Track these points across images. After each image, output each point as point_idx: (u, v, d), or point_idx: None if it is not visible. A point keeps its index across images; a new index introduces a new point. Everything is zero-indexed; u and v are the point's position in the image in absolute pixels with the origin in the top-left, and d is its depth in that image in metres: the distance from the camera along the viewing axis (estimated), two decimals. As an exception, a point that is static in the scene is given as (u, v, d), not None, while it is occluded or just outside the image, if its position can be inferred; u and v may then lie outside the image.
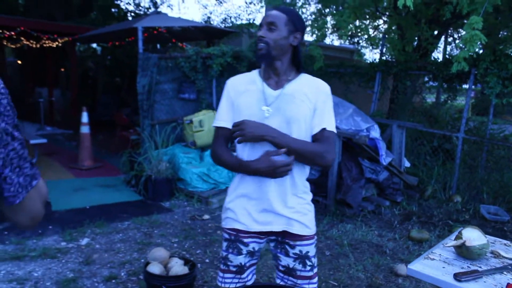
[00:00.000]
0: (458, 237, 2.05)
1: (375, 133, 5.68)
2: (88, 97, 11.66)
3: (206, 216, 5.05)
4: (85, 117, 7.24)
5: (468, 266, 1.97)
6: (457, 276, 1.82)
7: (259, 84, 1.98)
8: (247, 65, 7.09)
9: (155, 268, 2.86)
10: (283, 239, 2.04)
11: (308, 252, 2.05)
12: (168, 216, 5.05)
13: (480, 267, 1.97)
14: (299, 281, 2.06)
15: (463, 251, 2.03)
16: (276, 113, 1.92)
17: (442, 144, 7.11)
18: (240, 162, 1.95)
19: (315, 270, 2.11)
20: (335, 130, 2.00)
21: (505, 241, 2.31)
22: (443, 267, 1.95)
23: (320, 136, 1.95)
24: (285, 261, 2.07)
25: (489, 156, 6.69)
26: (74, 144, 9.41)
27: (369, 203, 5.45)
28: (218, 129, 2.04)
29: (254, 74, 2.04)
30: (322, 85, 2.01)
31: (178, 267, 2.89)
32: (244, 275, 2.10)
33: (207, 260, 3.97)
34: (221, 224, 2.13)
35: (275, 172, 1.87)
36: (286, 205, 1.99)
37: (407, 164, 6.38)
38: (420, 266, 1.96)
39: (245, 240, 2.03)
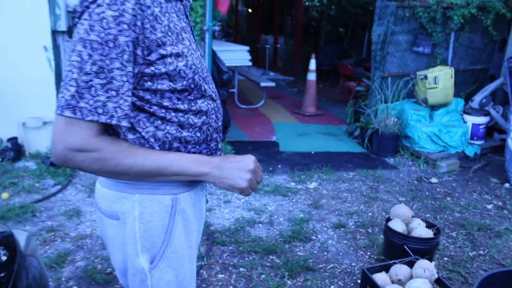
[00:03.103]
0: None
1: None
2: (311, 45, 11.91)
3: (434, 180, 4.70)
4: (313, 64, 7.39)
5: None
6: None
7: None
8: (493, 17, 6.23)
9: (397, 225, 2.74)
10: None
11: None
12: (393, 173, 4.86)
13: None
14: None
15: None
16: None
17: None
18: None
19: None
20: None
21: None
22: None
23: None
24: None
25: None
26: (295, 91, 9.79)
27: None
28: None
29: None
30: None
31: (421, 229, 2.71)
32: None
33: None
34: None
35: None
36: None
37: None
38: None
39: None
